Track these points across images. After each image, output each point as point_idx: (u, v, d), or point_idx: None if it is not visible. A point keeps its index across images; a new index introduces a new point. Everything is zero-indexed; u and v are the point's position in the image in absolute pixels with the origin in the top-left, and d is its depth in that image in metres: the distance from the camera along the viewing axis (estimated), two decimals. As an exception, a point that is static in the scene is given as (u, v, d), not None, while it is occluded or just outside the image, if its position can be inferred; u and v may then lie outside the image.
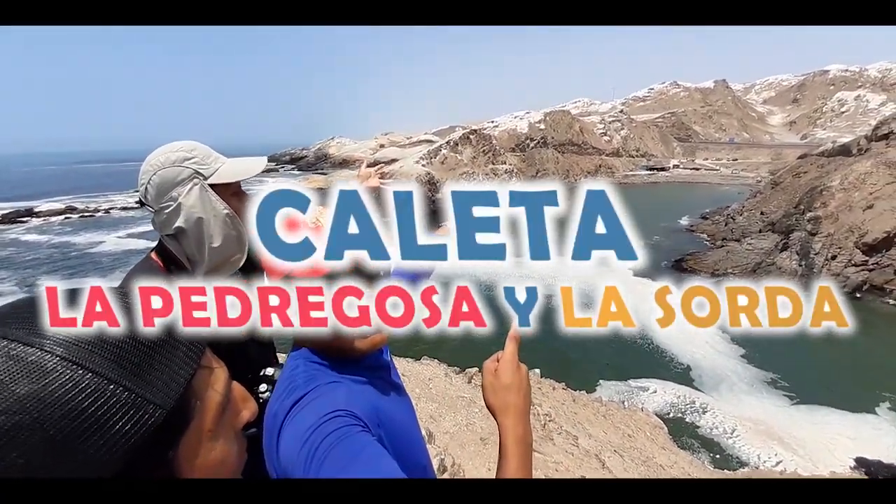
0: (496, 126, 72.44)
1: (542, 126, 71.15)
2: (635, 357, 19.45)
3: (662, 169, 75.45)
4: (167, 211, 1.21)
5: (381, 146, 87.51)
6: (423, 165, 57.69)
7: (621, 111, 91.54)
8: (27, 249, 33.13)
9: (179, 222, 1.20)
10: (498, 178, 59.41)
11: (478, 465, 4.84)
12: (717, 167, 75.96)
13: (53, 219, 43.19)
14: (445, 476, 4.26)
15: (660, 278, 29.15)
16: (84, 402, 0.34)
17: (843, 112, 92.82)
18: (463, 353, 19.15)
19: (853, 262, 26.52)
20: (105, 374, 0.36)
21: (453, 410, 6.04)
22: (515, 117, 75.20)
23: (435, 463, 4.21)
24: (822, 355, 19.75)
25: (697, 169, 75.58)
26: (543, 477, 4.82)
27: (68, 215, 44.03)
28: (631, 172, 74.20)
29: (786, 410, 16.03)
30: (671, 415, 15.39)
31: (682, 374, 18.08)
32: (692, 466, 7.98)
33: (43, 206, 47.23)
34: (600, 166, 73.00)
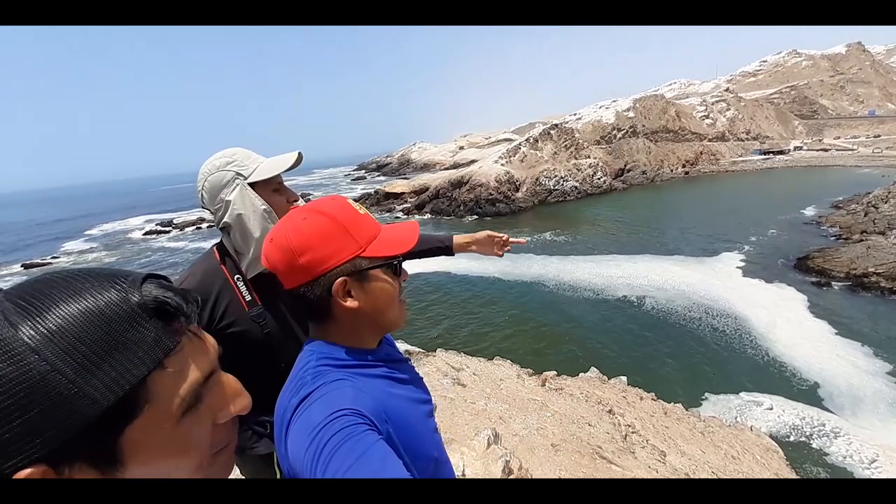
0: (579, 119, 68.98)
1: (631, 114, 66.09)
2: (746, 369, 17.10)
3: (780, 152, 65.49)
4: (219, 211, 1.40)
5: (461, 148, 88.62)
6: (502, 164, 57.12)
7: (727, 89, 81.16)
8: (171, 254, 41.12)
9: (227, 219, 1.38)
10: (581, 174, 56.62)
11: (547, 471, 4.66)
12: (854, 146, 63.71)
13: (188, 228, 52.20)
14: (512, 479, 4.17)
15: (777, 280, 25.23)
16: (16, 383, 0.36)
17: None
18: (537, 357, 18.70)
19: None
20: (51, 360, 0.38)
21: (524, 413, 5.90)
22: (601, 107, 70.87)
23: (500, 464, 4.15)
24: None
25: (827, 150, 64.20)
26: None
27: (198, 225, 52.51)
28: (741, 158, 65.57)
29: (951, 442, 12.84)
30: (791, 438, 13.21)
31: (807, 392, 15.40)
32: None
33: (180, 217, 57.23)
34: (701, 153, 65.64)
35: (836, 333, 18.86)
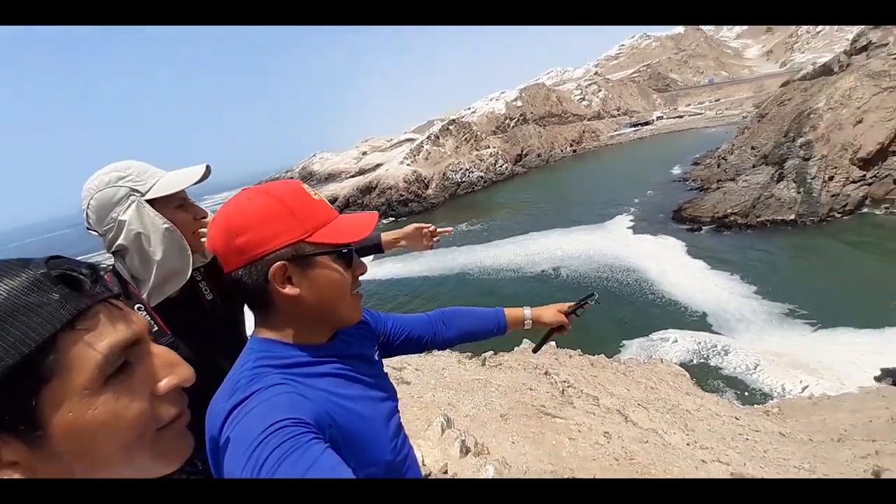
0: (473, 112, 72.01)
1: (520, 103, 70.67)
2: (652, 312, 19.52)
3: (647, 123, 74.94)
4: (110, 232, 1.23)
5: (364, 153, 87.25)
6: (408, 164, 57.50)
7: (596, 73, 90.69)
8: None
9: (122, 241, 1.22)
10: (484, 163, 59.20)
11: (501, 440, 4.88)
12: (701, 111, 75.30)
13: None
14: (470, 456, 4.30)
15: (660, 233, 29.08)
16: None
17: (818, 32, 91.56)
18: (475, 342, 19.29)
19: (851, 179, 26.27)
20: None
21: (471, 394, 6.08)
22: (491, 99, 74.69)
23: (456, 445, 4.25)
24: (834, 277, 19.66)
25: (682, 116, 75.00)
26: (567, 439, 4.86)
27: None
28: (616, 133, 73.71)
29: (807, 338, 15.99)
30: (694, 361, 15.47)
31: (699, 321, 18.13)
32: (718, 406, 8.01)
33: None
34: (584, 132, 72.54)
35: (711, 268, 22.34)
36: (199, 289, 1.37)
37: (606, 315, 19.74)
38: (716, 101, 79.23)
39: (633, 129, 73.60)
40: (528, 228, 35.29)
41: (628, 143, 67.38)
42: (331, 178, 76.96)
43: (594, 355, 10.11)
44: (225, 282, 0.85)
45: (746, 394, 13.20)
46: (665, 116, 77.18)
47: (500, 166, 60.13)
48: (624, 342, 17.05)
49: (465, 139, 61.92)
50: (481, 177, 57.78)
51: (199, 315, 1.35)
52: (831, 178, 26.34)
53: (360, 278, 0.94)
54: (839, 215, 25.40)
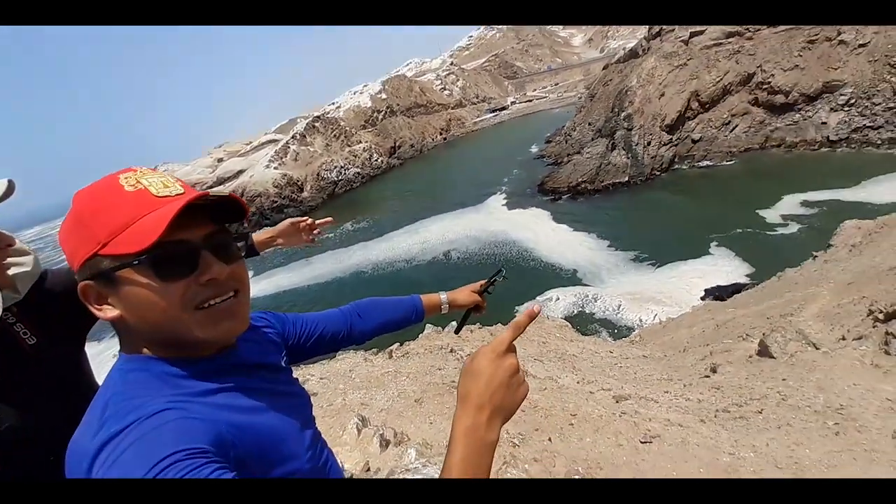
0: (339, 107, 69.57)
1: (384, 95, 70.46)
2: (535, 277, 21.70)
3: (504, 108, 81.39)
4: None
5: (220, 160, 78.09)
6: (276, 168, 53.26)
7: (451, 63, 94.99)
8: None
9: None
10: (359, 159, 57.89)
11: (419, 423, 4.89)
12: (545, 95, 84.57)
13: None
14: (391, 447, 4.21)
15: (529, 206, 32.18)
16: None
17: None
18: (378, 337, 19.32)
19: (662, 142, 32.35)
20: None
21: (382, 388, 5.97)
22: (355, 93, 73.00)
23: (376, 441, 4.11)
24: (662, 223, 24.10)
25: (531, 101, 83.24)
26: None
27: None
28: (479, 118, 78.59)
29: (651, 275, 19.47)
30: (575, 312, 17.80)
31: (572, 278, 20.76)
32: (596, 345, 9.24)
33: None
34: (451, 120, 75.73)
35: (574, 230, 25.61)
36: (14, 333, 1.07)
37: (498, 286, 21.27)
38: (555, 85, 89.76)
39: (493, 114, 79.34)
40: (414, 218, 35.84)
41: (490, 127, 72.49)
42: (184, 192, 67.16)
43: (492, 325, 10.80)
44: (49, 316, 0.69)
45: (616, 330, 15.63)
46: (517, 101, 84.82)
47: (376, 160, 59.48)
48: (517, 308, 18.63)
49: (335, 136, 59.64)
50: (358, 173, 56.44)
51: (20, 366, 1.06)
52: (649, 143, 32.10)
53: (231, 281, 0.73)
54: (659, 173, 31.14)
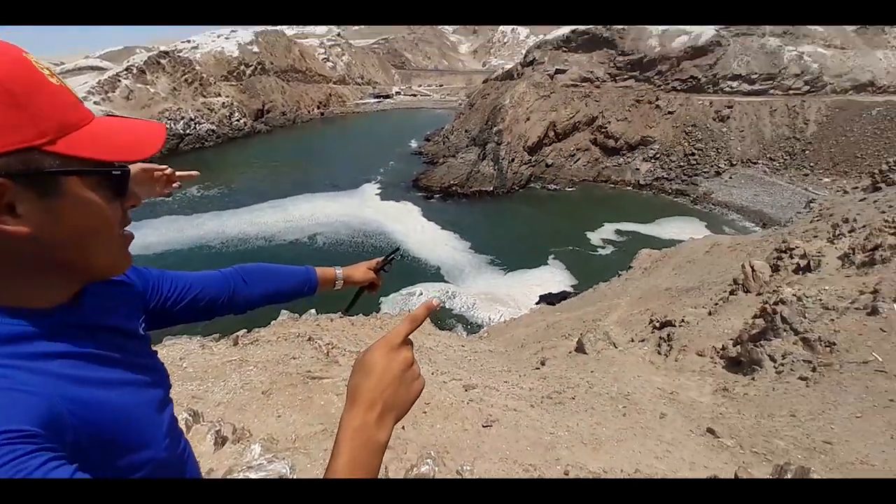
0: (196, 48, 59.05)
1: (256, 49, 62.53)
2: (402, 270, 22.13)
3: (387, 96, 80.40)
4: None
5: (9, 76, 58.77)
6: (97, 103, 42.58)
7: (339, 35, 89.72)
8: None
9: None
10: (216, 115, 50.24)
11: (264, 418, 4.58)
12: (430, 93, 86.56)
13: None
14: (229, 445, 3.84)
15: (402, 199, 32.64)
16: None
17: (505, 43, 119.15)
18: (223, 321, 17.37)
19: (523, 161, 36.35)
20: None
21: (222, 379, 5.38)
22: (220, 36, 62.97)
23: (209, 439, 3.72)
24: (514, 233, 27.13)
25: (415, 95, 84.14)
26: (335, 396, 5.01)
27: None
28: (362, 101, 76.04)
29: (502, 279, 21.82)
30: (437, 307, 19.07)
31: (436, 274, 21.92)
32: (451, 339, 9.98)
33: None
34: (331, 95, 71.47)
35: (442, 229, 27.00)
36: None
37: (391, 285, 21.25)
38: (440, 86, 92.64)
39: (377, 100, 77.76)
40: (281, 193, 32.86)
41: (373, 112, 70.87)
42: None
43: (355, 316, 10.67)
44: None
45: (470, 326, 17.10)
46: (402, 93, 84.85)
47: (238, 121, 52.39)
48: (381, 299, 18.76)
49: (186, 80, 50.50)
50: (213, 131, 48.88)
51: None
52: (513, 160, 35.74)
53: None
54: (518, 188, 34.92)
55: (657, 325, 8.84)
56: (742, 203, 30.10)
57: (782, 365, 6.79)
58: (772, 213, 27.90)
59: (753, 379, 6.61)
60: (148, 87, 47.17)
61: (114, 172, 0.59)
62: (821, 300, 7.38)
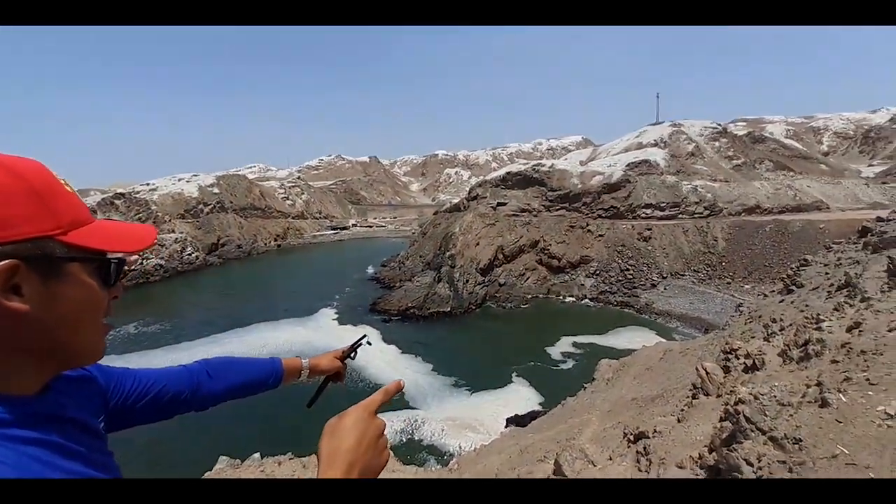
0: (154, 189, 60.99)
1: (216, 189, 65.61)
2: (360, 399, 20.45)
3: (344, 228, 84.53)
4: None
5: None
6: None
7: (299, 177, 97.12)
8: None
9: None
10: (166, 250, 49.62)
11: None
12: (384, 224, 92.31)
13: None
14: None
15: (361, 323, 31.94)
16: None
17: (450, 182, 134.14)
18: (152, 471, 14.59)
19: (477, 282, 37.89)
20: None
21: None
22: (180, 180, 65.98)
23: None
24: (475, 352, 26.70)
25: (371, 226, 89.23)
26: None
27: None
28: (319, 233, 79.05)
29: (467, 401, 20.67)
30: (404, 438, 17.26)
31: (400, 400, 20.44)
32: (416, 475, 8.88)
33: None
34: (288, 228, 73.93)
35: (402, 352, 26.08)
36: None
37: (318, 409, 19.25)
38: (394, 217, 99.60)
39: (334, 231, 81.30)
40: (229, 325, 31.09)
41: (330, 242, 73.27)
42: None
43: (305, 457, 9.42)
44: None
45: (443, 457, 15.57)
46: (359, 224, 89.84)
47: (189, 254, 51.81)
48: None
49: (139, 219, 50.71)
50: (160, 265, 47.65)
51: None
52: (467, 281, 37.19)
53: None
54: (474, 307, 35.63)
55: (631, 438, 8.54)
56: (681, 311, 32.30)
57: (760, 469, 6.63)
58: (709, 319, 29.97)
59: (737, 487, 6.34)
60: (97, 225, 46.66)
61: (111, 259, 0.68)
62: (775, 397, 7.63)
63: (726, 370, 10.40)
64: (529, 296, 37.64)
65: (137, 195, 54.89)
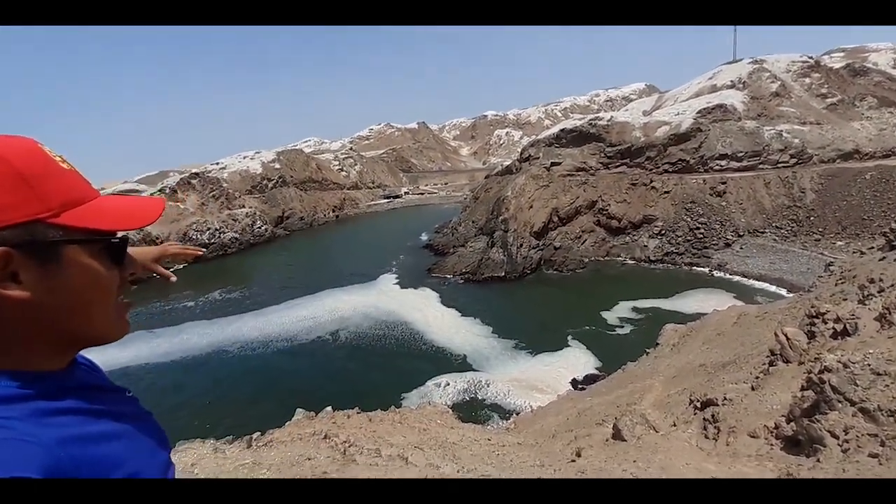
0: (223, 168, 65.40)
1: (278, 165, 68.98)
2: (425, 361, 21.54)
3: (397, 196, 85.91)
4: None
5: (55, 203, 64.93)
6: (132, 220, 46.09)
7: (351, 149, 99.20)
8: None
9: None
10: (239, 224, 53.67)
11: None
12: (436, 191, 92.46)
13: None
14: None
15: (420, 287, 32.99)
16: None
17: (501, 144, 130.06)
18: (239, 421, 16.51)
19: (531, 246, 37.19)
20: None
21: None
22: (245, 158, 70.05)
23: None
24: (532, 316, 26.63)
25: (423, 193, 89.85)
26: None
27: None
28: (373, 202, 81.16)
29: (529, 363, 20.95)
30: (466, 398, 18.08)
31: (462, 363, 21.24)
32: (475, 433, 9.29)
33: None
34: (345, 199, 76.58)
35: (461, 315, 26.71)
36: None
37: (383, 370, 20.53)
38: (445, 184, 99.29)
39: (387, 200, 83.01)
40: (302, 291, 33.44)
41: (384, 211, 75.10)
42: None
43: (372, 411, 10.14)
44: None
45: (507, 415, 16.16)
46: (411, 192, 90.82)
47: (259, 227, 55.68)
48: (403, 395, 17.99)
49: (214, 196, 54.97)
50: (236, 238, 51.78)
51: None
52: (521, 245, 36.60)
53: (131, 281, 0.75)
54: (528, 272, 35.19)
55: (698, 405, 8.19)
56: (760, 272, 29.67)
57: (846, 441, 6.10)
58: (793, 280, 27.29)
59: (818, 460, 5.90)
60: (178, 204, 51.26)
61: (112, 241, 0.65)
62: (869, 365, 6.88)
63: (811, 336, 9.50)
64: (586, 259, 36.39)
65: (209, 174, 59.23)
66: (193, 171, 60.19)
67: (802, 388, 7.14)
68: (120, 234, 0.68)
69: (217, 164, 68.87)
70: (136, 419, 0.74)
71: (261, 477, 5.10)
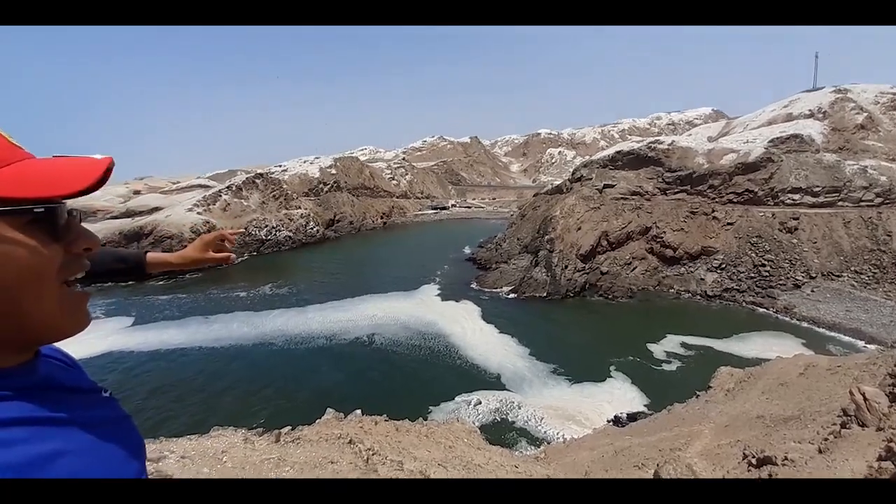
0: (285, 171, 69.48)
1: (334, 171, 72.20)
2: (458, 375, 21.29)
3: (444, 208, 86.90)
4: None
5: (137, 192, 71.69)
6: (199, 213, 49.90)
7: (403, 159, 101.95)
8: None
9: None
10: (294, 223, 56.52)
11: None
12: (483, 205, 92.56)
13: None
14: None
15: (461, 299, 32.90)
16: None
17: (553, 163, 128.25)
18: (272, 413, 17.05)
19: (577, 269, 36.04)
20: None
21: (259, 477, 5.08)
22: (305, 161, 73.97)
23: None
24: (573, 341, 25.63)
25: (469, 207, 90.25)
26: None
27: None
28: (420, 212, 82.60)
29: (566, 390, 20.07)
30: (497, 418, 17.54)
31: (496, 382, 20.76)
32: (503, 457, 8.96)
33: None
34: (393, 208, 78.56)
35: (500, 332, 26.24)
36: None
37: (414, 380, 20.52)
38: (492, 199, 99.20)
39: (434, 211, 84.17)
40: (345, 293, 34.58)
41: (431, 222, 76.13)
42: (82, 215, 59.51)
43: (400, 420, 10.09)
44: None
45: (536, 442, 15.51)
46: (458, 205, 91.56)
47: (312, 228, 58.44)
48: (431, 408, 17.82)
49: (274, 196, 58.39)
50: (290, 237, 54.63)
51: None
52: (566, 267, 35.56)
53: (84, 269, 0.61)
54: (572, 295, 34.04)
55: (753, 461, 7.40)
56: (833, 319, 26.79)
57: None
58: (872, 332, 24.38)
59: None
60: (242, 201, 54.94)
61: (35, 210, 0.52)
62: (969, 441, 5.90)
63: (893, 398, 8.35)
64: (635, 287, 34.64)
65: (272, 175, 63.06)
66: (258, 171, 64.35)
67: (880, 458, 6.25)
68: (57, 203, 0.55)
69: (280, 166, 73.28)
70: (107, 425, 0.64)
71: (284, 475, 5.18)
